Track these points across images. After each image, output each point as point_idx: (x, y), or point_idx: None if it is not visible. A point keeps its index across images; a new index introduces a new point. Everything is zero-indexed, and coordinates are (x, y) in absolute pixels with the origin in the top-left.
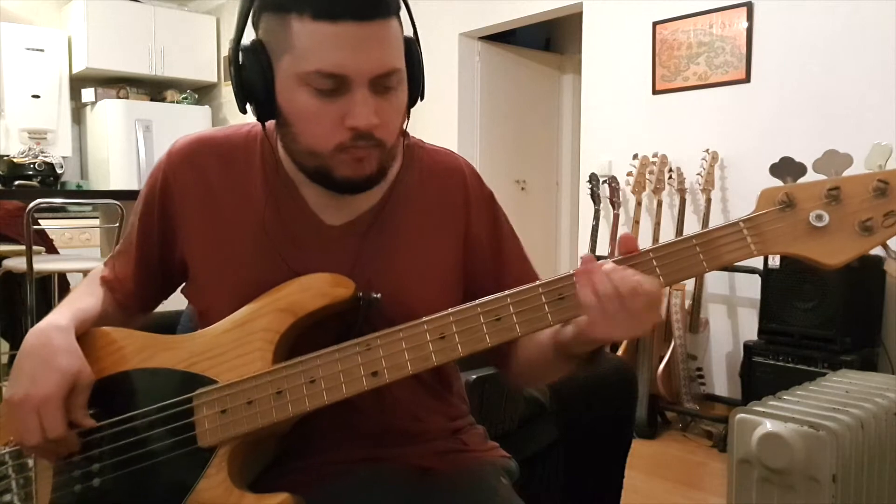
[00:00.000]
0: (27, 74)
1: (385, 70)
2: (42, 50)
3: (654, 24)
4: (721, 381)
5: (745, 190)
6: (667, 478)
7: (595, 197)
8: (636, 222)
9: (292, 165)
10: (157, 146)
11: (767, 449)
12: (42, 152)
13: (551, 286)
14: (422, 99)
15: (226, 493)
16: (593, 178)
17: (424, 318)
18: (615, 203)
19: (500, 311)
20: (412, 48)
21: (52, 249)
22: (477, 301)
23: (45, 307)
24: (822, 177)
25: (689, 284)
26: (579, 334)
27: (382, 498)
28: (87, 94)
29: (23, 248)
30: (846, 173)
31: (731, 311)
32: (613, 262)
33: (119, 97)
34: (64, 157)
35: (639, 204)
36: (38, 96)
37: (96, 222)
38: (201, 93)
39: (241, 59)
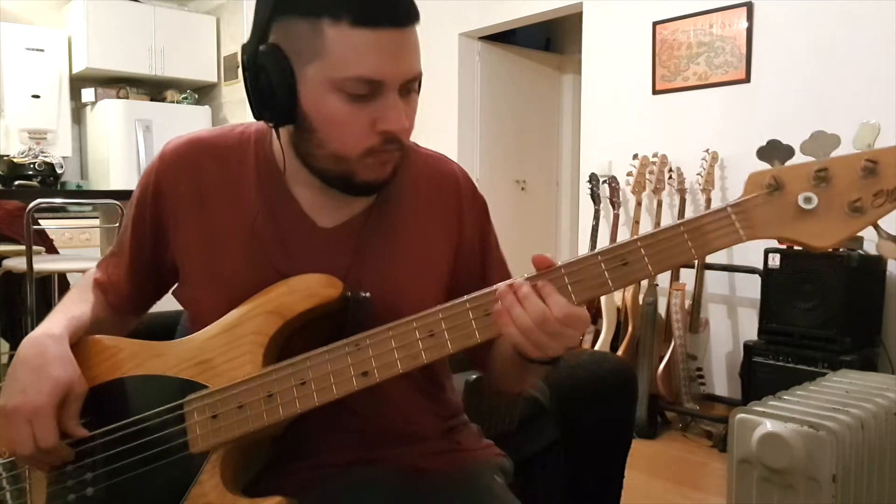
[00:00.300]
0: (27, 74)
1: (414, 75)
2: (42, 50)
3: (654, 24)
4: (721, 381)
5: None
6: (667, 478)
7: (595, 197)
8: (636, 222)
9: (296, 169)
10: (157, 146)
11: (767, 449)
12: (42, 152)
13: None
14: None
15: (219, 498)
16: (593, 178)
17: (413, 316)
18: (615, 203)
19: (489, 307)
20: None
21: (52, 249)
22: (465, 297)
23: (45, 307)
24: (809, 159)
25: (690, 284)
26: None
27: (377, 499)
28: (87, 94)
29: (23, 248)
30: (834, 154)
31: (731, 311)
32: (528, 278)
33: (119, 97)
34: (64, 157)
35: (639, 204)
36: (38, 96)
37: (96, 222)
38: (201, 93)
39: (257, 64)
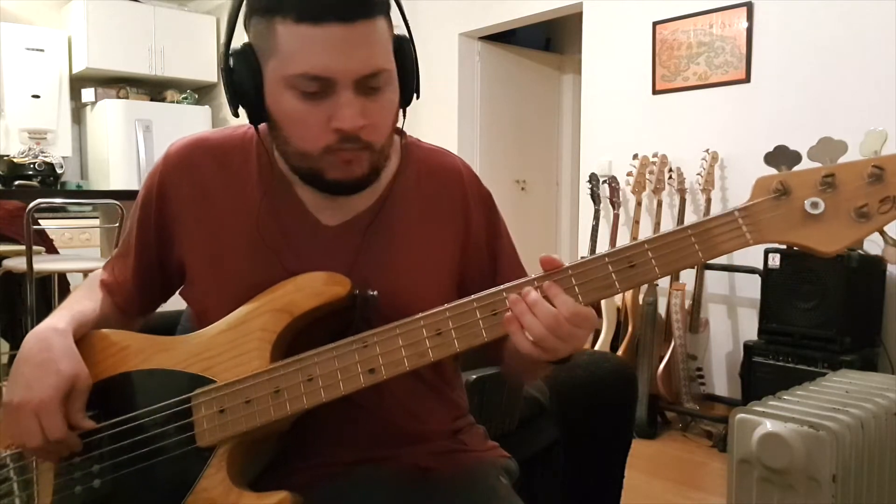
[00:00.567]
0: (27, 74)
1: (370, 71)
2: (42, 50)
3: (654, 24)
4: (721, 381)
5: (745, 190)
6: (667, 478)
7: (595, 197)
8: (636, 222)
9: (286, 166)
10: (157, 146)
11: (767, 449)
12: (42, 152)
13: (544, 280)
14: (417, 97)
15: (225, 493)
16: (593, 178)
17: (421, 315)
18: (615, 203)
19: (496, 306)
20: (403, 47)
21: (52, 249)
22: (472, 296)
23: (45, 307)
24: (816, 164)
25: (690, 284)
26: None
27: (382, 498)
28: (87, 94)
29: (23, 248)
30: (841, 160)
31: (731, 311)
32: (535, 279)
33: (119, 97)
34: (64, 157)
35: (639, 204)
36: (38, 96)
37: (96, 222)
38: (201, 93)
39: (231, 62)
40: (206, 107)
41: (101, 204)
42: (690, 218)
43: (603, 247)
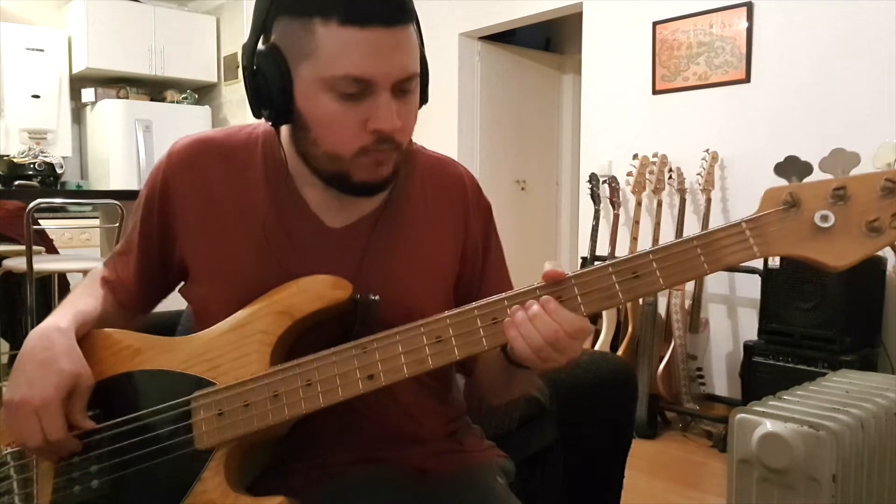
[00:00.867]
0: (27, 74)
1: (407, 74)
2: (42, 50)
3: (654, 24)
4: (721, 381)
5: (745, 190)
6: (667, 478)
7: (595, 197)
8: (636, 222)
9: (299, 168)
10: (157, 146)
11: (767, 449)
12: (42, 152)
13: (547, 290)
14: (426, 102)
15: (222, 496)
16: (593, 178)
17: (421, 321)
18: (615, 203)
19: (497, 314)
20: (423, 53)
21: (52, 249)
22: (473, 304)
23: (45, 307)
24: (827, 176)
25: (689, 284)
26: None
27: (379, 499)
28: (87, 94)
29: (23, 248)
30: (853, 172)
31: (731, 311)
32: (537, 288)
33: (119, 97)
34: (64, 157)
35: (639, 204)
36: (38, 96)
37: (96, 222)
38: (201, 93)
39: (256, 63)
40: (206, 107)
41: (101, 204)
42: (690, 218)
43: (603, 247)
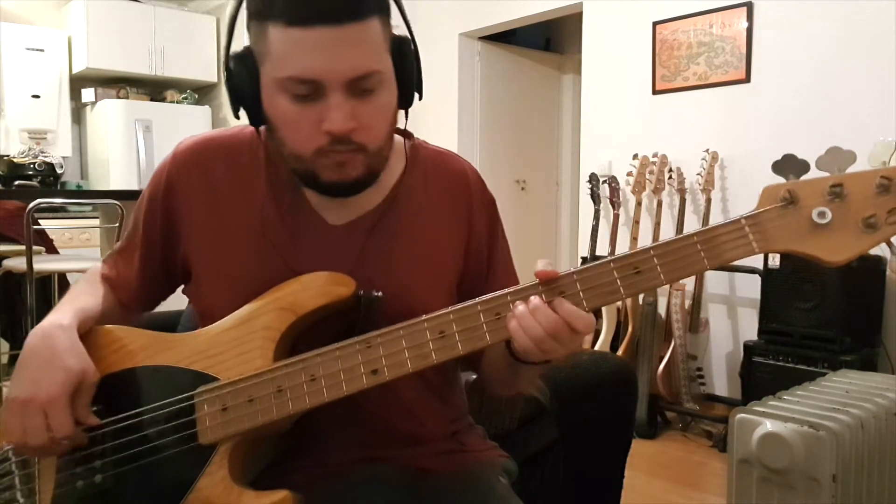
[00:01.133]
0: (27, 74)
1: (360, 73)
2: (42, 50)
3: (654, 24)
4: (721, 381)
5: (745, 190)
6: (667, 478)
7: (595, 197)
8: (636, 222)
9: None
10: (157, 146)
11: (767, 449)
12: (42, 152)
13: (551, 285)
14: (420, 98)
15: (226, 491)
16: (593, 178)
17: (424, 317)
18: (615, 203)
19: (500, 309)
20: (402, 48)
21: (52, 249)
22: (477, 299)
23: (45, 307)
24: (824, 174)
25: (690, 284)
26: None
27: (381, 498)
28: (87, 94)
29: (23, 248)
30: (849, 170)
31: (731, 311)
32: (539, 284)
33: (119, 97)
34: (64, 157)
35: (639, 204)
36: (38, 96)
37: (96, 222)
38: (201, 93)
39: (231, 66)
40: (206, 107)
41: (101, 204)
42: (690, 218)
43: (603, 247)
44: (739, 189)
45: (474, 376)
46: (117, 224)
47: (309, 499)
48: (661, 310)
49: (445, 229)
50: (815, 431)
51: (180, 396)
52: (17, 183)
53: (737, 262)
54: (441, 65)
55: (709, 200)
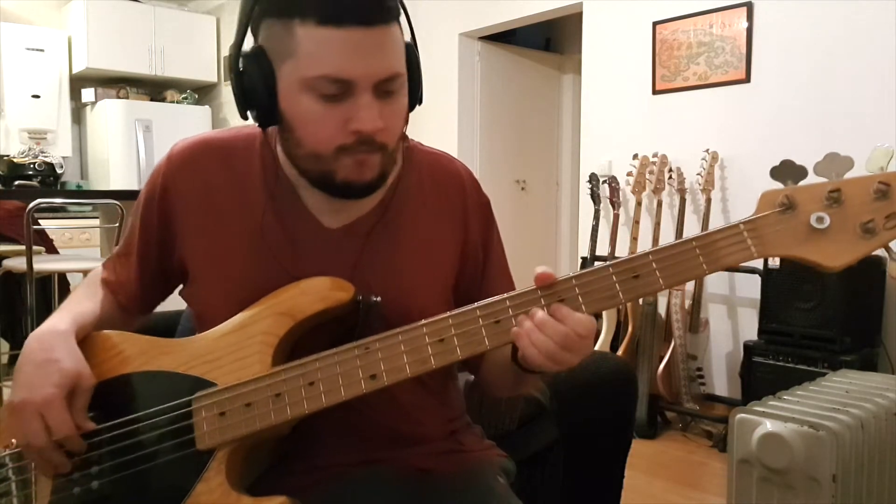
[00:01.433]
0: (27, 74)
1: (388, 74)
2: (42, 50)
3: (654, 24)
4: (721, 381)
5: (745, 190)
6: (667, 478)
7: (595, 197)
8: (636, 222)
9: (292, 169)
10: (157, 146)
11: (767, 449)
12: (42, 152)
13: (550, 290)
14: (420, 104)
15: (224, 496)
16: (593, 178)
17: (423, 321)
18: (615, 203)
19: (498, 314)
20: (412, 53)
21: (52, 249)
22: (476, 304)
23: (45, 307)
24: (822, 179)
25: (690, 284)
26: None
27: (380, 499)
28: (87, 94)
29: (23, 248)
30: (847, 176)
31: (731, 311)
32: (538, 288)
33: (119, 97)
34: (64, 157)
35: (639, 204)
36: (38, 96)
37: (96, 222)
38: (201, 93)
39: (241, 65)
40: (206, 107)
41: (101, 204)
42: (690, 218)
43: (603, 247)
44: (739, 189)
45: (474, 377)
46: (117, 224)
47: (307, 502)
48: (661, 310)
49: (441, 231)
50: (815, 431)
51: (178, 402)
52: (17, 183)
53: None
54: (441, 65)
55: (709, 200)
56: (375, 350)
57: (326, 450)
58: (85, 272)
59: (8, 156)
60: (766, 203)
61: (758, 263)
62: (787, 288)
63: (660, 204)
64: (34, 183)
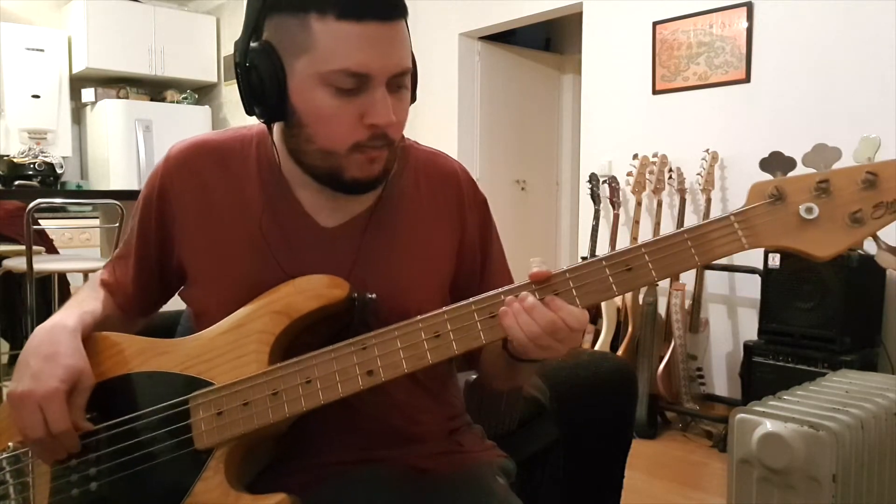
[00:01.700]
0: (27, 74)
1: (402, 69)
2: (42, 50)
3: (654, 24)
4: (721, 381)
5: (745, 190)
6: (667, 478)
7: (595, 197)
8: (636, 222)
9: (291, 167)
10: (157, 146)
11: (767, 449)
12: (42, 152)
13: (543, 285)
14: (414, 101)
15: (223, 495)
16: (593, 178)
17: (419, 317)
18: (615, 203)
19: (494, 309)
20: (411, 52)
21: (52, 249)
22: (471, 299)
23: (45, 307)
24: (811, 170)
25: (689, 284)
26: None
27: (379, 499)
28: (87, 94)
29: (23, 248)
30: (835, 166)
31: (731, 311)
32: (533, 283)
33: (119, 97)
34: (64, 157)
35: (639, 204)
36: (38, 96)
37: (96, 222)
38: (201, 93)
39: (249, 60)
40: (206, 107)
41: (101, 204)
42: (690, 218)
43: (603, 247)
44: (739, 189)
45: (474, 376)
46: (117, 224)
47: (306, 500)
48: (661, 310)
49: (438, 229)
50: (815, 431)
51: (175, 401)
52: (17, 183)
53: (737, 263)
54: (441, 65)
55: (709, 200)
56: (372, 346)
57: (325, 448)
58: (85, 272)
59: (8, 156)
60: (756, 194)
61: (758, 263)
62: (787, 288)
63: (660, 204)
64: (34, 183)
